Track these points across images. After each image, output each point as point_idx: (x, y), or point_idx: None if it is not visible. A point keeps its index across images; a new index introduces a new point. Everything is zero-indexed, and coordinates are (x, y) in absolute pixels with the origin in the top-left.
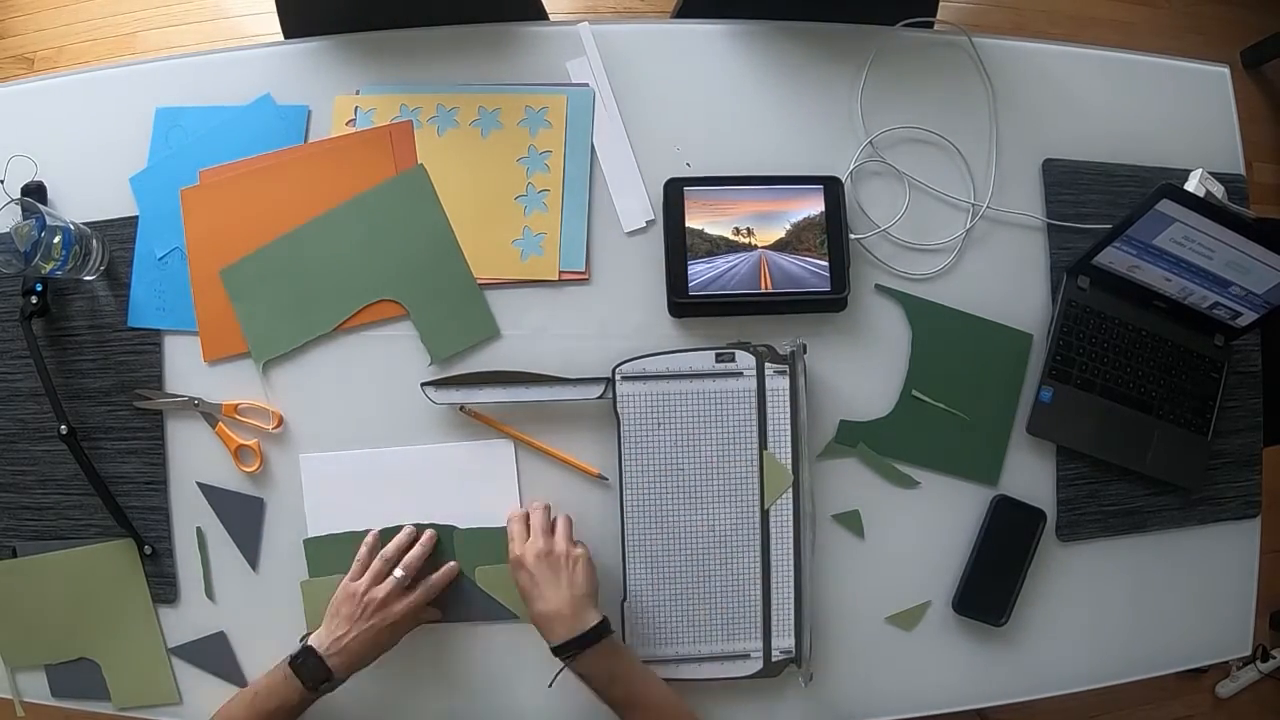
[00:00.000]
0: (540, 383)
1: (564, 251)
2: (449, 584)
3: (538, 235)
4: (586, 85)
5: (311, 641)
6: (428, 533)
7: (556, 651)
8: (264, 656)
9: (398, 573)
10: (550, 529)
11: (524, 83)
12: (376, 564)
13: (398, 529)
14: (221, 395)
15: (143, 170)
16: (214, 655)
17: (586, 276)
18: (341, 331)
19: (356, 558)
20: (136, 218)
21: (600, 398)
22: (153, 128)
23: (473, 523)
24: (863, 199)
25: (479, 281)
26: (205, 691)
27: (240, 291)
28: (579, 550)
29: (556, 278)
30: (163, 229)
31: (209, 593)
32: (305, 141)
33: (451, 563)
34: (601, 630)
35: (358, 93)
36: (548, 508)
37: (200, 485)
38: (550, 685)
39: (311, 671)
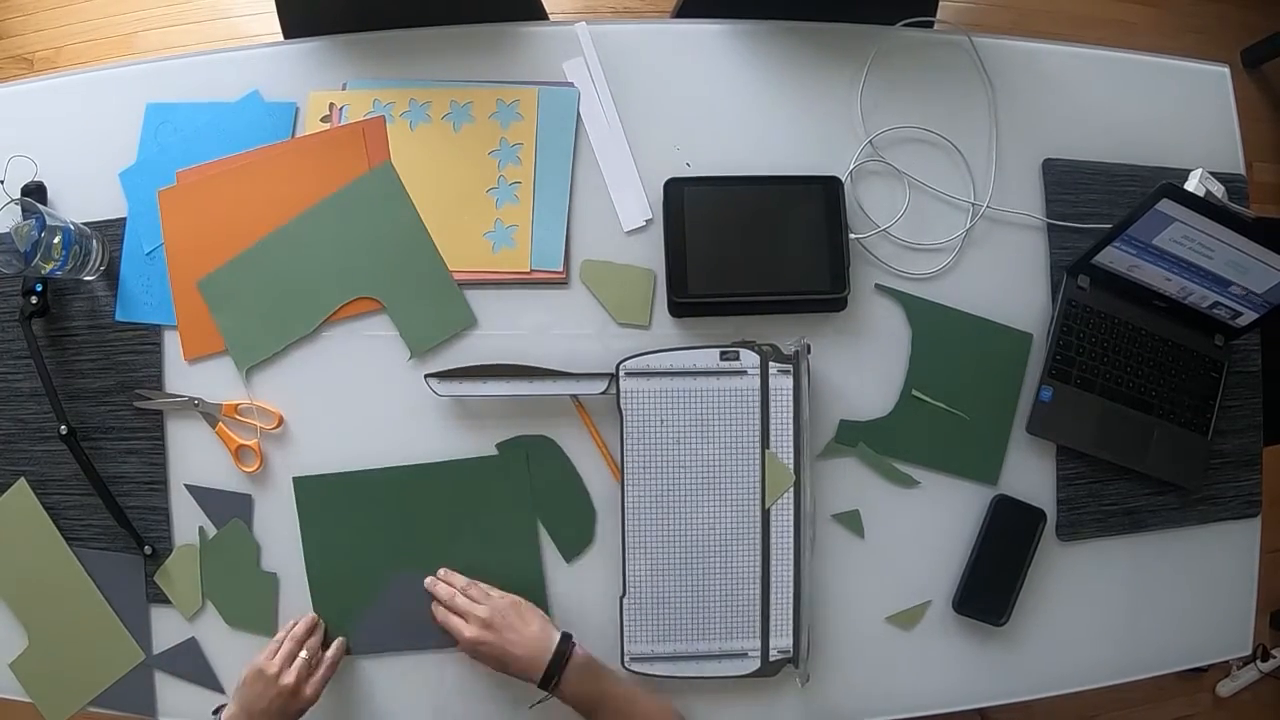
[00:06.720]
0: (545, 377)
1: (536, 244)
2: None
3: (509, 228)
4: (571, 85)
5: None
6: (309, 616)
7: (542, 684)
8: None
9: (303, 654)
10: (470, 597)
11: (516, 80)
12: (288, 644)
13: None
14: (222, 395)
15: (131, 165)
16: (188, 661)
17: (563, 276)
18: (327, 325)
19: (275, 638)
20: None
21: (604, 393)
22: (142, 123)
23: (470, 537)
24: (863, 199)
25: (455, 275)
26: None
27: (218, 302)
28: (505, 599)
29: (528, 270)
30: (151, 224)
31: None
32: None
33: (340, 638)
34: (565, 643)
35: (344, 87)
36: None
37: (188, 487)
38: (531, 707)
39: None
